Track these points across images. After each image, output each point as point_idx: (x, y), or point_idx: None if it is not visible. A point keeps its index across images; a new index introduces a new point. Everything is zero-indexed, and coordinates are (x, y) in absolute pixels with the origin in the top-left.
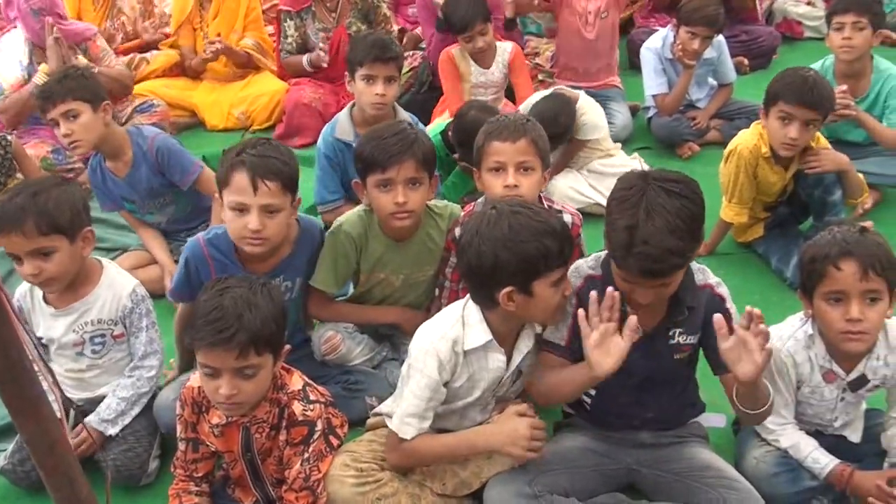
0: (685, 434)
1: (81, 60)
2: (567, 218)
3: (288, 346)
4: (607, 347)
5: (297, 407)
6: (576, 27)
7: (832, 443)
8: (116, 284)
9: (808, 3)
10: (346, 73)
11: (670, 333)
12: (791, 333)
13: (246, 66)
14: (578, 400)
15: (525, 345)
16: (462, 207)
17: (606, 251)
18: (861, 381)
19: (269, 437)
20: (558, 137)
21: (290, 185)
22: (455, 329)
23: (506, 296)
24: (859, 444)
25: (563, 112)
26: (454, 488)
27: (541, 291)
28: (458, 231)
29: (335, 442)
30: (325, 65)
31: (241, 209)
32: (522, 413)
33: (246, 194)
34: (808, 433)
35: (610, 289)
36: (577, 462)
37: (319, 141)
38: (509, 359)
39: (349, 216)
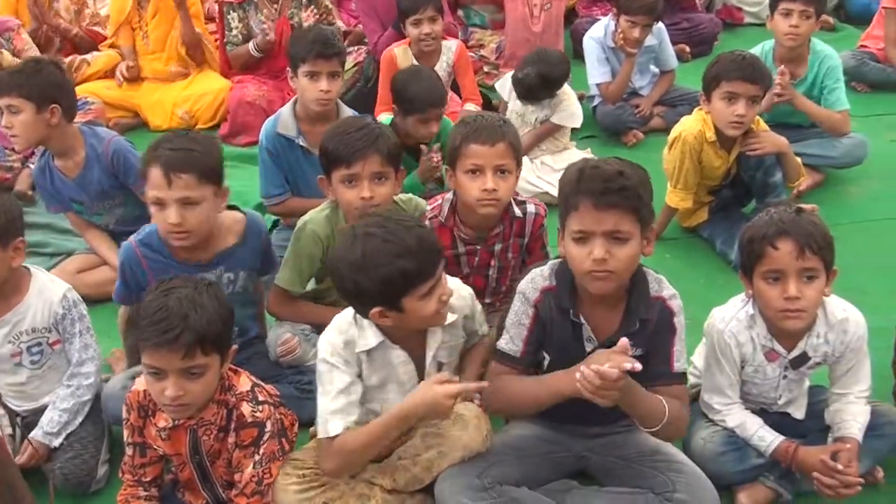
0: (634, 422)
1: (6, 56)
2: (531, 209)
3: (235, 347)
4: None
5: (246, 408)
6: (523, 18)
7: (777, 420)
8: (47, 291)
9: None
10: (289, 68)
11: None
12: (733, 314)
13: (194, 49)
14: None
15: (435, 340)
16: (427, 201)
17: (560, 259)
18: (802, 359)
19: (218, 438)
20: (557, 83)
21: (209, 175)
22: (350, 331)
23: (377, 314)
24: (803, 421)
25: (563, 59)
26: (405, 483)
27: (411, 306)
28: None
29: (287, 445)
30: (270, 38)
31: (160, 204)
32: (442, 381)
33: (161, 189)
34: (754, 412)
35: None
36: (527, 451)
37: (262, 136)
38: (419, 354)
39: (315, 215)
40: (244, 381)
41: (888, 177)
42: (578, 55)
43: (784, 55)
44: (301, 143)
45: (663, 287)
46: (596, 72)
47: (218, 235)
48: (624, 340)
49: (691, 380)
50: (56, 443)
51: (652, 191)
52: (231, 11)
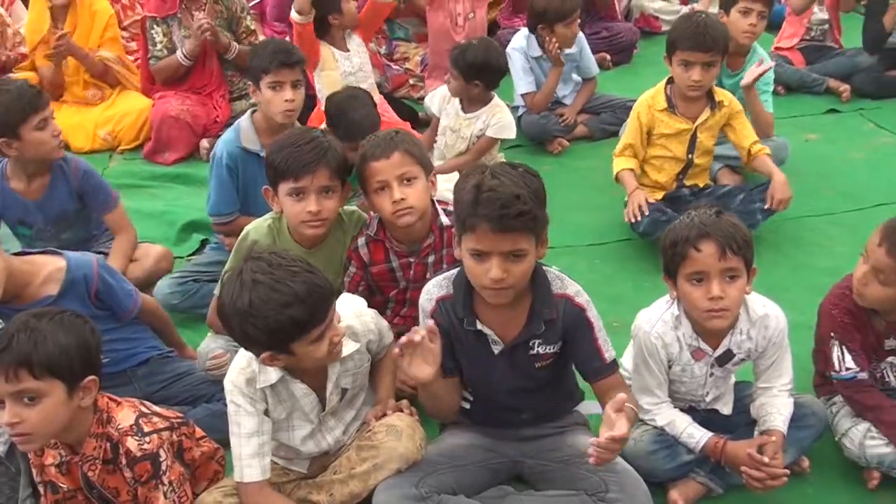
0: (566, 423)
1: None
2: None
3: (93, 378)
4: (422, 358)
5: (132, 443)
6: (446, 29)
7: (705, 417)
8: None
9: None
10: (250, 82)
11: (530, 344)
12: (658, 316)
13: (103, 77)
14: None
15: (334, 371)
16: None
17: (457, 268)
18: (727, 356)
19: (107, 472)
20: (497, 70)
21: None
22: (251, 367)
23: (267, 358)
24: (731, 417)
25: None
26: (342, 499)
27: (301, 350)
28: (360, 241)
29: (190, 455)
30: (207, 35)
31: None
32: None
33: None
34: (683, 410)
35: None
36: (462, 459)
37: (220, 150)
38: (321, 384)
39: (258, 225)
40: (127, 415)
41: (805, 175)
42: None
43: (731, 49)
44: (263, 155)
45: (566, 284)
46: (521, 82)
47: (32, 283)
48: (622, 396)
49: None
50: None
51: (545, 197)
52: (155, 26)
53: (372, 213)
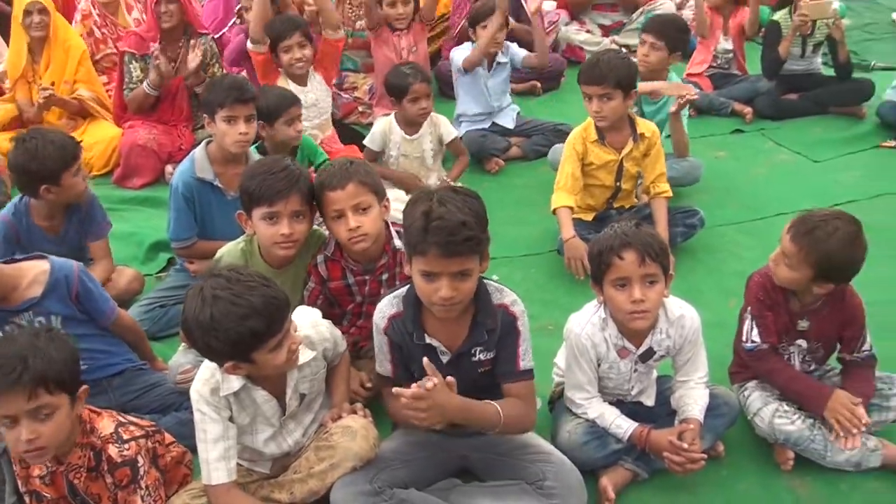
0: None
1: None
2: None
3: (86, 387)
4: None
5: (113, 450)
6: (390, 61)
7: (631, 409)
8: None
9: (588, 32)
10: (205, 114)
11: (473, 352)
12: (588, 319)
13: (79, 114)
14: None
15: (293, 378)
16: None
17: (407, 286)
18: (648, 353)
19: (91, 479)
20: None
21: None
22: (215, 377)
23: (230, 367)
24: (654, 408)
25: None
26: (303, 496)
27: (261, 359)
28: (319, 258)
29: (163, 461)
30: (162, 68)
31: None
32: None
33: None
34: (612, 403)
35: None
36: (413, 455)
37: (176, 180)
38: (281, 390)
39: (231, 249)
40: (107, 424)
41: (715, 189)
42: (445, 94)
43: (643, 75)
44: (217, 185)
45: (504, 295)
46: (461, 56)
47: (19, 286)
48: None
49: (556, 379)
50: None
51: (487, 218)
52: (133, 62)
53: (330, 234)
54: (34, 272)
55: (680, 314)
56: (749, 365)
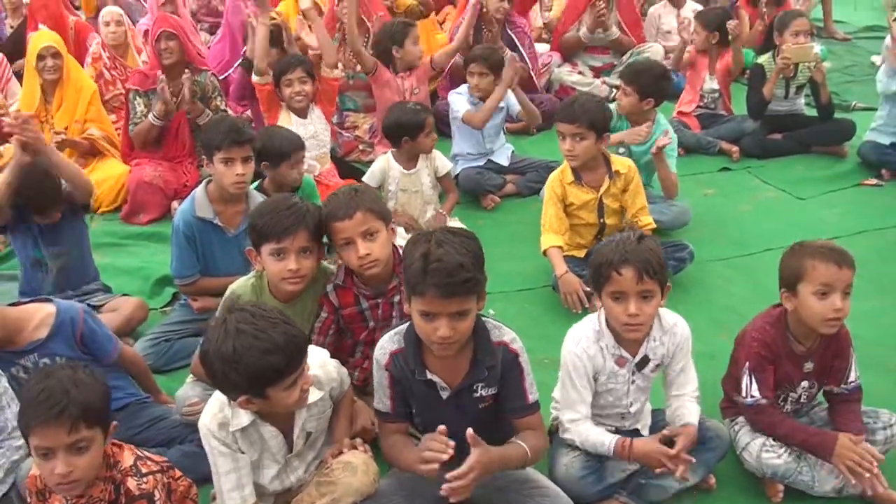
0: None
1: None
2: None
3: (115, 423)
4: None
5: (132, 483)
6: (391, 101)
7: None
8: None
9: (579, 73)
10: (204, 155)
11: (474, 388)
12: (582, 333)
13: (89, 152)
14: None
15: (301, 416)
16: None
17: (408, 323)
18: (644, 361)
19: None
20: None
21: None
22: (223, 412)
23: (244, 401)
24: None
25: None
26: None
27: (275, 395)
28: (329, 288)
29: (175, 496)
30: (166, 95)
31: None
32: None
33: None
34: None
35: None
36: (414, 490)
37: (177, 219)
38: (288, 427)
39: (243, 283)
40: (127, 456)
41: (705, 226)
42: (441, 133)
43: (628, 119)
44: (217, 223)
45: (503, 332)
46: (462, 107)
47: (25, 329)
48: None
49: (553, 413)
50: None
51: (483, 258)
52: (137, 97)
53: (339, 262)
54: (40, 315)
55: (673, 322)
56: (750, 420)
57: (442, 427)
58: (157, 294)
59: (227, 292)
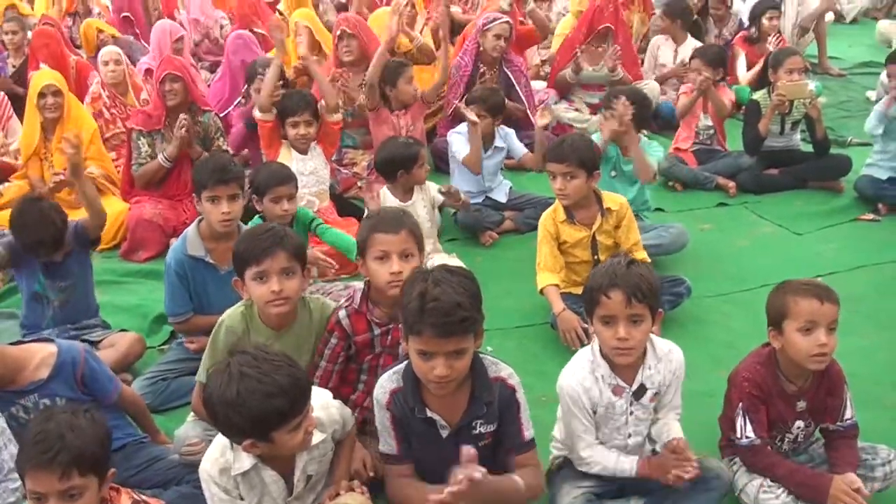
0: None
1: None
2: None
3: (113, 470)
4: None
5: None
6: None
7: (630, 479)
8: None
9: (576, 110)
10: (194, 193)
11: (473, 425)
12: (577, 365)
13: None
14: None
15: (302, 459)
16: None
17: (406, 362)
18: (641, 390)
19: None
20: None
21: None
22: (225, 456)
23: (248, 445)
24: (648, 480)
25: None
26: None
27: (280, 438)
28: (341, 314)
29: None
30: (184, 131)
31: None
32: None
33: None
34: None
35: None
36: None
37: (169, 258)
38: (289, 470)
39: (231, 312)
40: (125, 501)
41: (702, 261)
42: (440, 170)
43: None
44: (209, 261)
45: (500, 368)
46: (461, 149)
47: (26, 368)
48: (468, 449)
49: (554, 452)
50: None
51: (481, 297)
52: (141, 138)
53: (355, 288)
54: (41, 355)
55: (668, 350)
56: (746, 461)
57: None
58: (154, 332)
59: (217, 322)
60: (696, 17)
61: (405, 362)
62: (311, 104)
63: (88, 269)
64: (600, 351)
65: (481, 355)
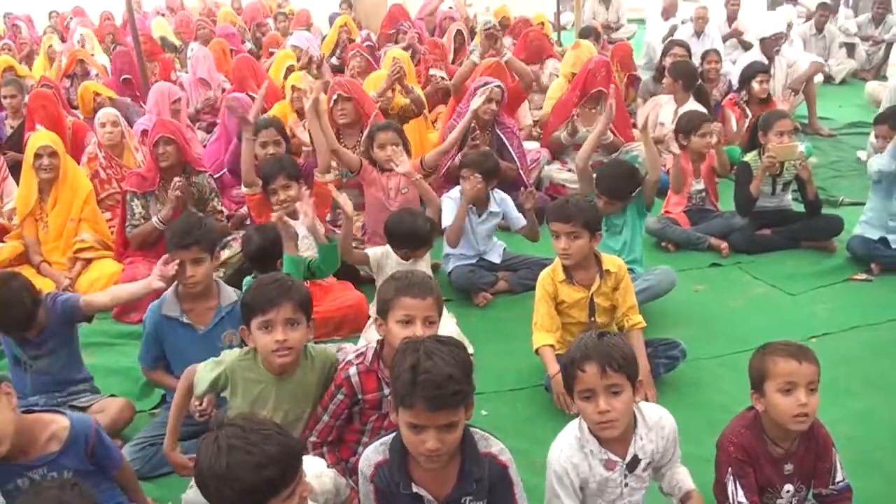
0: None
1: None
2: None
3: None
4: None
5: None
6: (381, 201)
7: None
8: None
9: (569, 171)
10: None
11: (462, 502)
12: (565, 442)
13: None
14: None
15: None
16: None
17: (393, 434)
18: (635, 462)
19: None
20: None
21: None
22: None
23: None
24: None
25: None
26: None
27: None
28: (351, 371)
29: None
30: (179, 193)
31: None
32: None
33: None
34: None
35: None
36: None
37: (147, 315)
38: None
39: (233, 353)
40: None
41: (697, 322)
42: (432, 229)
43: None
44: (185, 321)
45: (491, 443)
46: (447, 219)
47: (38, 440)
48: None
49: None
50: None
51: (473, 368)
52: (135, 199)
53: (368, 345)
54: (53, 427)
55: (658, 417)
56: None
57: None
58: (146, 395)
59: (219, 358)
60: (700, 82)
61: (393, 434)
62: (284, 167)
63: (71, 340)
64: (588, 427)
65: (472, 429)
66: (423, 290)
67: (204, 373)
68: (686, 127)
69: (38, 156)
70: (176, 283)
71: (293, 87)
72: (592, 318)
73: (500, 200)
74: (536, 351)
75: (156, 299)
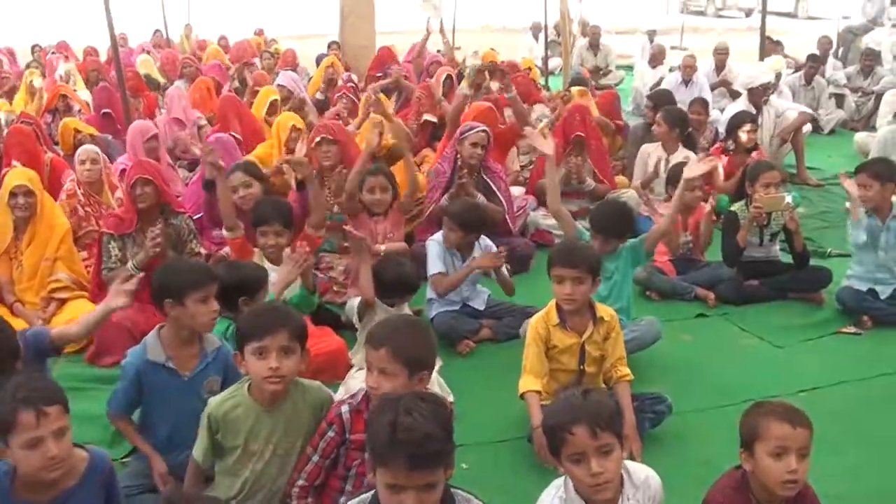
0: None
1: None
2: None
3: None
4: None
5: None
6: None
7: None
8: None
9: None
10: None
11: None
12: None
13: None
14: None
15: None
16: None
17: (372, 492)
18: None
19: None
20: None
21: None
22: None
23: None
24: None
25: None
26: None
27: None
28: (343, 409)
29: None
30: (157, 248)
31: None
32: None
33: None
34: None
35: None
36: None
37: (128, 360)
38: None
39: (215, 401)
40: None
41: (682, 374)
42: (419, 275)
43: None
44: (170, 366)
45: None
46: (433, 265)
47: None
48: None
49: None
50: None
51: (453, 428)
52: (112, 242)
53: (355, 390)
54: (71, 460)
55: (645, 476)
56: None
57: None
58: (118, 443)
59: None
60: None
61: (371, 492)
62: (283, 214)
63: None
64: (575, 489)
65: (452, 489)
66: (377, 342)
67: (198, 441)
68: (677, 178)
69: (13, 195)
70: (158, 328)
71: (293, 128)
72: (581, 367)
73: (485, 248)
74: (521, 395)
75: (135, 344)
